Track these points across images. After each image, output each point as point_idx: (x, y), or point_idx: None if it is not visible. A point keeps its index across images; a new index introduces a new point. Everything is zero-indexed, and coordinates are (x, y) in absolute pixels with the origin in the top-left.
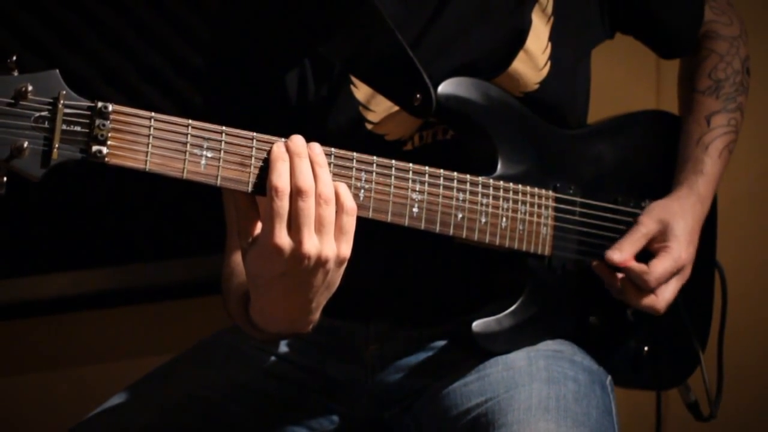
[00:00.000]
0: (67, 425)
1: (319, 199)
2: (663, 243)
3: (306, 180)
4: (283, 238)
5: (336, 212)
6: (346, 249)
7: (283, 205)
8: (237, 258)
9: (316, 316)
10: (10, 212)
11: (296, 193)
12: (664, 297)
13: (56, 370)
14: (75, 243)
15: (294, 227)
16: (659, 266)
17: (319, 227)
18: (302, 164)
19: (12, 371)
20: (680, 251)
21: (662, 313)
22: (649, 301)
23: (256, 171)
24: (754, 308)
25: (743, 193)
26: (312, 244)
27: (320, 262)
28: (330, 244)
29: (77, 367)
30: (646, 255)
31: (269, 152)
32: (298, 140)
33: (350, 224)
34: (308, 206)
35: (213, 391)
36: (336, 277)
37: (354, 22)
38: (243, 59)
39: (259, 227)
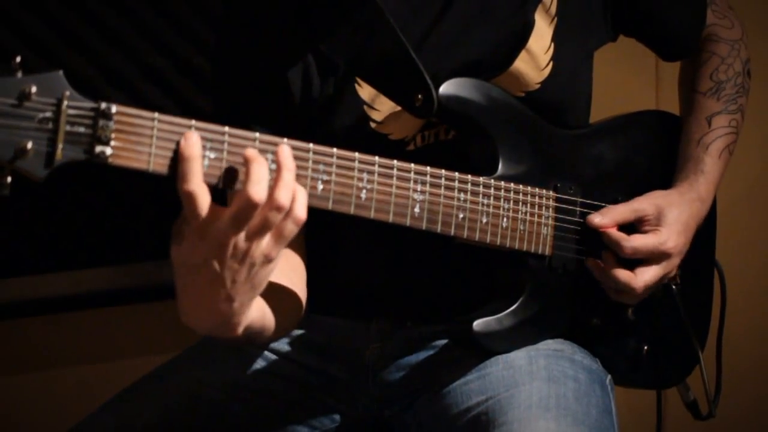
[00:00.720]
0: (67, 425)
1: (273, 203)
2: (654, 226)
3: (259, 192)
4: (206, 229)
5: (283, 216)
6: (276, 251)
7: (195, 207)
8: None
9: (243, 318)
10: (11, 212)
11: (245, 200)
12: (642, 278)
13: (56, 370)
14: (75, 243)
15: (227, 221)
16: (640, 239)
17: (259, 227)
18: (262, 169)
19: (12, 371)
20: (668, 237)
21: (639, 294)
22: (625, 276)
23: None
24: (753, 308)
25: (743, 194)
26: (240, 240)
27: (245, 255)
28: (261, 243)
29: (77, 367)
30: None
31: (179, 145)
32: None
33: (291, 232)
34: (253, 215)
35: (214, 390)
36: (262, 276)
37: (357, 21)
38: (247, 58)
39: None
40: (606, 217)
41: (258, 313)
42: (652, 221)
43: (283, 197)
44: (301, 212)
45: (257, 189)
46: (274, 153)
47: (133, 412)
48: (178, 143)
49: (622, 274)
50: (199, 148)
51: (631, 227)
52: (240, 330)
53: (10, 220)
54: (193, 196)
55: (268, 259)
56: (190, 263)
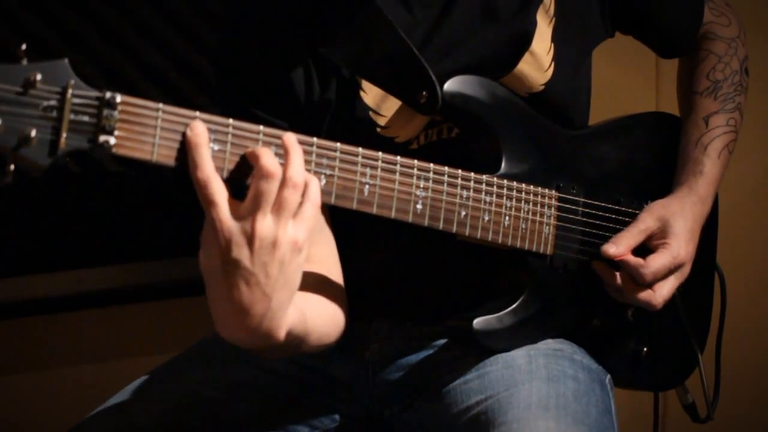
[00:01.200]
0: (67, 425)
1: (288, 182)
2: (662, 240)
3: (273, 163)
4: (227, 221)
5: (300, 198)
6: (302, 236)
7: (210, 192)
8: None
9: (282, 319)
10: (11, 211)
11: (260, 175)
12: (661, 293)
13: (56, 370)
14: (75, 242)
15: (247, 207)
16: (656, 261)
17: (279, 209)
18: (269, 150)
19: (12, 371)
20: (679, 248)
21: (659, 309)
22: (646, 296)
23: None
24: (752, 311)
25: (743, 196)
26: (264, 225)
27: (274, 245)
28: (285, 227)
29: (77, 367)
30: (645, 252)
31: (185, 134)
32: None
33: (311, 214)
34: (271, 188)
35: (215, 389)
36: (293, 268)
37: (357, 22)
38: (250, 62)
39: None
40: (620, 246)
41: (298, 315)
42: (658, 235)
43: (296, 175)
44: (316, 194)
45: (270, 162)
46: (280, 140)
47: (133, 411)
48: (184, 134)
49: (643, 294)
50: (206, 136)
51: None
52: (282, 334)
53: (10, 220)
54: (208, 182)
55: (296, 247)
56: (220, 265)
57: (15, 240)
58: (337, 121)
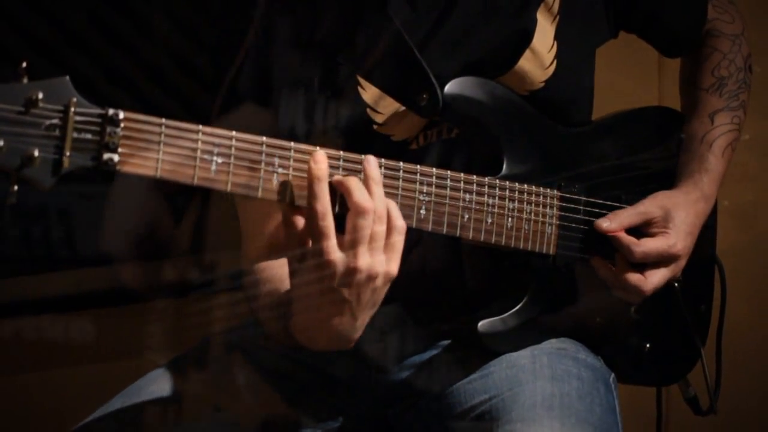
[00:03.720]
0: (67, 425)
1: (374, 215)
2: (662, 228)
3: (366, 198)
4: (336, 253)
5: (387, 230)
6: (395, 266)
7: (327, 225)
8: (261, 265)
9: (359, 334)
10: (11, 212)
11: (356, 212)
12: (651, 280)
13: (56, 370)
14: (75, 243)
15: (348, 242)
16: (650, 243)
17: (372, 243)
18: (358, 182)
19: (12, 371)
20: (677, 240)
21: (647, 296)
22: (636, 279)
23: (267, 175)
24: (752, 303)
25: (744, 191)
26: (364, 260)
27: (370, 278)
28: (380, 260)
29: (77, 367)
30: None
31: (310, 166)
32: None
33: (399, 243)
34: (367, 224)
35: (215, 390)
36: (381, 294)
37: (361, 22)
38: (250, 58)
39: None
40: (614, 222)
41: None
42: (659, 223)
43: (380, 207)
44: (400, 221)
45: (363, 197)
46: (362, 166)
47: (134, 412)
48: (309, 164)
49: (633, 277)
50: (327, 169)
51: (638, 229)
52: (353, 343)
53: (10, 220)
54: (326, 214)
55: (389, 277)
56: (317, 290)
57: (14, 241)
58: (334, 117)
